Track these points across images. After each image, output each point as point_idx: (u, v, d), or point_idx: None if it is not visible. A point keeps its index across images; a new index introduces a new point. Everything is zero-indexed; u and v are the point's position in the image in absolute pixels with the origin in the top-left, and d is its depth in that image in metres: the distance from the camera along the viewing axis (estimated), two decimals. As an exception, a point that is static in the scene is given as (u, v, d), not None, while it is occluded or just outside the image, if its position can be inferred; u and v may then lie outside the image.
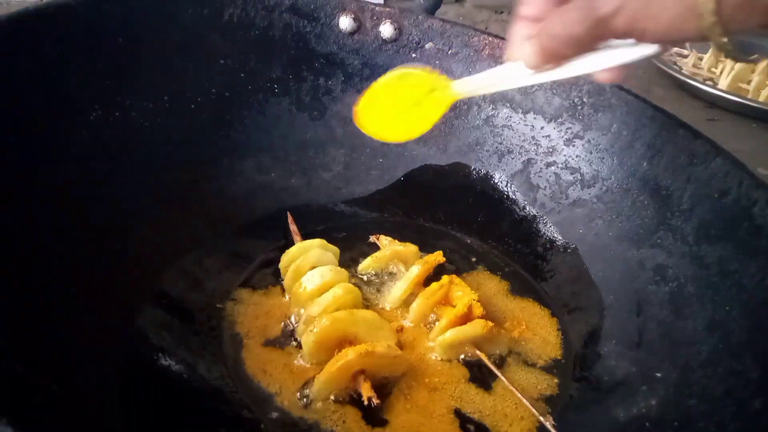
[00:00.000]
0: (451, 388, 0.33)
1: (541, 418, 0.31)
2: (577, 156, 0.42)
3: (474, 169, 0.45)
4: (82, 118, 0.35)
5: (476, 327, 0.34)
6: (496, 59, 0.44)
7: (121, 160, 0.37)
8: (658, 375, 0.30)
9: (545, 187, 0.43)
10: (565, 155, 0.42)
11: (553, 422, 0.30)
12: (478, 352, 0.34)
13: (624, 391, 0.31)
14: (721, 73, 0.81)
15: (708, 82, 0.79)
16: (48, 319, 0.27)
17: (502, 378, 0.33)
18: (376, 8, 0.46)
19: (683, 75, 0.78)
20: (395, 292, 0.38)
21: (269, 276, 0.38)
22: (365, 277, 0.39)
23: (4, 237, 0.27)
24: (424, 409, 0.32)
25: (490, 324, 0.34)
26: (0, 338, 0.23)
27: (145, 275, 0.34)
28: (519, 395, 0.32)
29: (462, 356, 0.35)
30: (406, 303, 0.37)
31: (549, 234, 0.41)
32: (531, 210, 0.43)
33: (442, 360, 0.35)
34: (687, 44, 0.90)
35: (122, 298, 0.32)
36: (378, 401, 0.30)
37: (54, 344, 0.26)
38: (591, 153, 0.41)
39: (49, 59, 0.33)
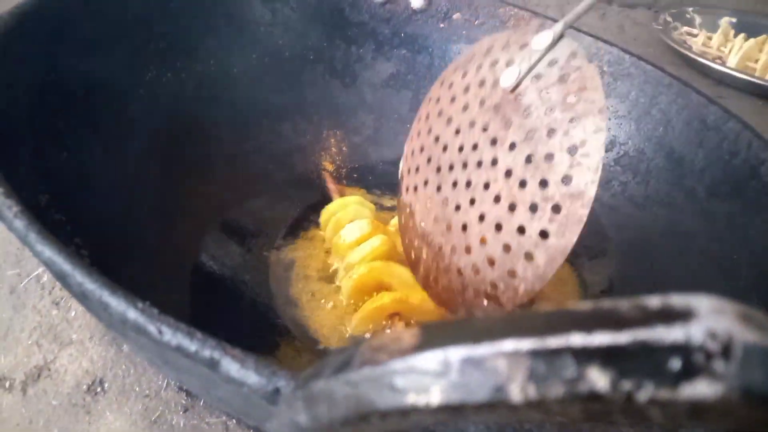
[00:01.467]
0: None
1: None
2: (596, 122, 0.44)
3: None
4: (139, 79, 0.38)
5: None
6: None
7: (172, 118, 0.40)
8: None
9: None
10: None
11: None
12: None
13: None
14: (730, 51, 0.83)
15: (717, 61, 0.81)
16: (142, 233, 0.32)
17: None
18: (407, -21, 0.48)
19: (693, 53, 0.80)
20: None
21: (310, 227, 0.41)
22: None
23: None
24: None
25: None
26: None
27: (201, 216, 0.38)
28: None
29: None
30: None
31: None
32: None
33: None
34: (697, 24, 0.92)
35: (192, 232, 0.37)
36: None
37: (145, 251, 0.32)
38: (609, 119, 0.44)
39: (111, 24, 0.36)
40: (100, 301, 0.17)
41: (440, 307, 0.34)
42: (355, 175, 0.47)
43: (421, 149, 0.35)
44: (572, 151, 0.26)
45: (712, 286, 0.33)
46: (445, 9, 0.48)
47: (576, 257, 0.39)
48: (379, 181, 0.47)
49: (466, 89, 0.32)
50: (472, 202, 0.30)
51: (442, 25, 0.49)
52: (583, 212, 0.26)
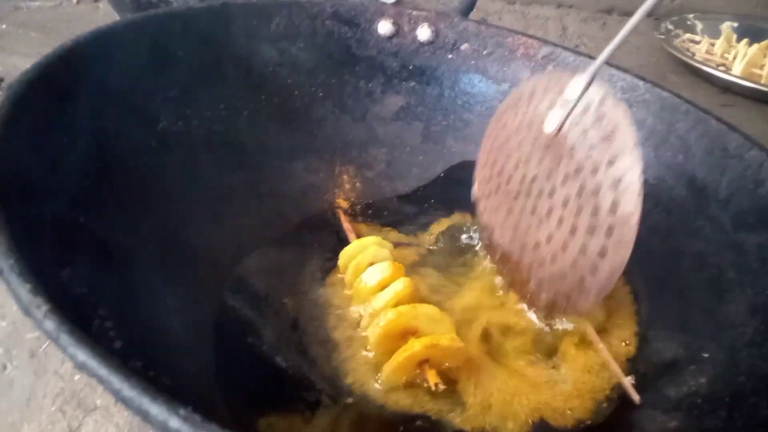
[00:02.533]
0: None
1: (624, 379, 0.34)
2: (613, 150, 0.44)
3: (512, 164, 0.47)
4: (151, 129, 0.37)
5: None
6: (531, 58, 0.47)
7: (185, 165, 0.39)
8: (705, 355, 0.33)
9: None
10: (601, 149, 0.44)
11: (633, 382, 0.34)
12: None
13: (673, 371, 0.33)
14: (734, 58, 0.83)
15: (721, 68, 0.80)
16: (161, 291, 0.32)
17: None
18: (413, 12, 0.48)
19: (696, 61, 0.80)
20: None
21: (329, 270, 0.41)
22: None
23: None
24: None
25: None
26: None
27: (219, 265, 0.38)
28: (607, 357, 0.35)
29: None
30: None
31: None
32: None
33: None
34: (699, 30, 0.92)
35: (209, 283, 0.36)
36: (444, 386, 0.33)
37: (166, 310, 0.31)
38: (626, 147, 0.43)
39: (123, 76, 0.35)
40: (140, 408, 0.17)
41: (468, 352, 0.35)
42: (370, 211, 0.46)
43: (490, 179, 0.40)
44: (615, 184, 0.31)
45: (745, 324, 0.33)
46: (452, 40, 0.48)
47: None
48: (394, 216, 0.46)
49: (519, 129, 0.38)
50: (539, 225, 0.35)
51: (450, 56, 0.48)
52: (632, 233, 0.30)
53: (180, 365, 0.30)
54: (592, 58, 0.44)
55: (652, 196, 0.41)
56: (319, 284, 0.40)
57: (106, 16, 0.85)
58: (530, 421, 0.32)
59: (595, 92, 0.33)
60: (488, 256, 0.42)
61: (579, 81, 0.33)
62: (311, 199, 0.45)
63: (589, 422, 0.33)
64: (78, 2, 0.89)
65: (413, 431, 0.32)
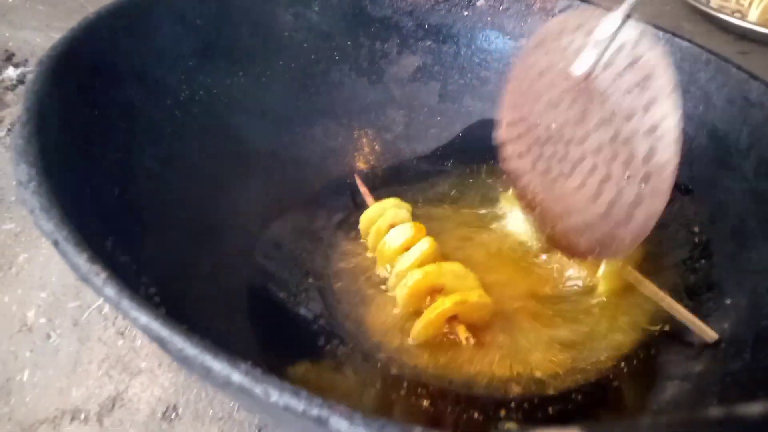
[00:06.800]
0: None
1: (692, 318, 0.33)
2: (632, 103, 0.44)
3: (531, 121, 0.47)
4: (174, 99, 0.38)
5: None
6: (548, 12, 0.46)
7: (207, 136, 0.40)
8: (728, 302, 0.33)
9: (602, 134, 0.45)
10: (620, 102, 0.44)
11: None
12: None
13: (696, 317, 0.34)
14: (750, 5, 0.81)
15: (737, 15, 0.79)
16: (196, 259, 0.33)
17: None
18: (427, -31, 0.47)
19: (711, 8, 0.79)
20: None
21: (350, 234, 0.41)
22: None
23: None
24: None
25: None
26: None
27: (247, 231, 0.39)
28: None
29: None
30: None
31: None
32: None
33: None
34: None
35: (240, 249, 0.37)
36: (474, 339, 0.34)
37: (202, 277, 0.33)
38: (646, 99, 0.43)
39: (145, 47, 0.36)
40: (203, 365, 0.18)
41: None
42: (390, 174, 0.47)
43: (516, 122, 0.38)
44: (651, 131, 0.30)
45: (765, 268, 0.33)
46: (468, -4, 0.47)
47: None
48: (414, 177, 0.47)
49: (548, 69, 0.36)
50: (571, 172, 0.34)
51: (466, 13, 0.48)
52: (669, 183, 0.30)
53: (217, 327, 0.32)
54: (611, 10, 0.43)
55: (673, 147, 0.41)
56: (343, 247, 0.41)
57: (110, -15, 0.84)
58: (559, 370, 0.33)
59: (630, 31, 0.31)
60: (516, 206, 0.41)
61: (612, 18, 0.31)
62: (331, 163, 0.46)
63: (614, 370, 0.34)
64: (82, -28, 0.88)
65: (443, 387, 0.33)
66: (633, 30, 0.31)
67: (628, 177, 0.31)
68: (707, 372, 0.31)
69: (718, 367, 0.30)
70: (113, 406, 0.32)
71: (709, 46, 0.41)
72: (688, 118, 0.40)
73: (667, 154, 0.29)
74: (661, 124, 0.29)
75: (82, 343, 0.35)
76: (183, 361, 0.18)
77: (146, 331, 0.19)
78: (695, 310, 0.34)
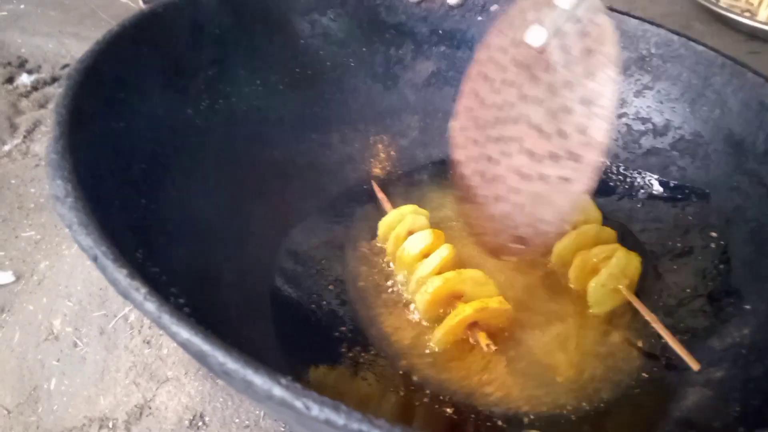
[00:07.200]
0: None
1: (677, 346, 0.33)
2: (648, 107, 0.44)
3: (545, 125, 0.48)
4: (195, 108, 0.38)
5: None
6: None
7: (228, 144, 0.40)
8: (747, 307, 0.34)
9: (617, 138, 0.45)
10: (635, 106, 0.44)
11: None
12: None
13: (716, 323, 0.34)
14: (759, 4, 0.81)
15: (746, 14, 0.79)
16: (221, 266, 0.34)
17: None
18: (442, -24, 0.47)
19: (721, 8, 0.78)
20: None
21: (368, 241, 0.42)
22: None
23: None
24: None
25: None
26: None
27: (268, 239, 0.39)
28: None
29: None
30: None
31: (625, 183, 0.44)
32: (605, 161, 0.46)
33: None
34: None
35: (262, 256, 0.38)
36: (495, 347, 0.34)
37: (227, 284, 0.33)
38: (662, 103, 0.43)
39: (166, 58, 0.36)
40: (244, 379, 0.18)
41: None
42: (406, 180, 0.47)
43: (470, 109, 0.37)
44: (586, 102, 0.29)
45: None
46: (481, 2, 0.47)
47: (657, 257, 0.40)
48: (429, 183, 0.47)
49: (503, 50, 0.35)
50: (507, 155, 0.33)
51: (480, 18, 0.48)
52: (598, 159, 0.29)
53: (242, 334, 0.32)
54: (626, 14, 0.43)
55: (689, 151, 0.42)
56: (361, 253, 0.41)
57: (120, -11, 0.84)
58: (580, 377, 0.34)
59: (584, 4, 0.30)
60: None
61: None
62: (348, 170, 0.46)
63: (635, 377, 0.34)
64: (92, -22, 0.89)
65: (465, 394, 0.33)
66: (591, 2, 0.31)
67: (558, 155, 0.30)
68: (728, 378, 0.31)
69: (740, 373, 0.31)
70: (141, 414, 0.33)
71: (720, 45, 0.42)
72: (703, 122, 0.41)
73: (599, 129, 0.29)
74: (599, 97, 0.29)
75: (108, 351, 0.35)
76: (224, 375, 0.19)
77: (186, 345, 0.19)
78: (715, 316, 0.34)
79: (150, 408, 0.33)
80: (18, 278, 0.39)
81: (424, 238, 0.39)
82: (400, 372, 0.34)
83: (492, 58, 0.35)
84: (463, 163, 0.37)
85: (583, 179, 0.30)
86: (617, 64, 0.29)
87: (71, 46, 0.72)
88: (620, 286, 0.37)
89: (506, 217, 0.34)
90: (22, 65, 0.72)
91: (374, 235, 0.42)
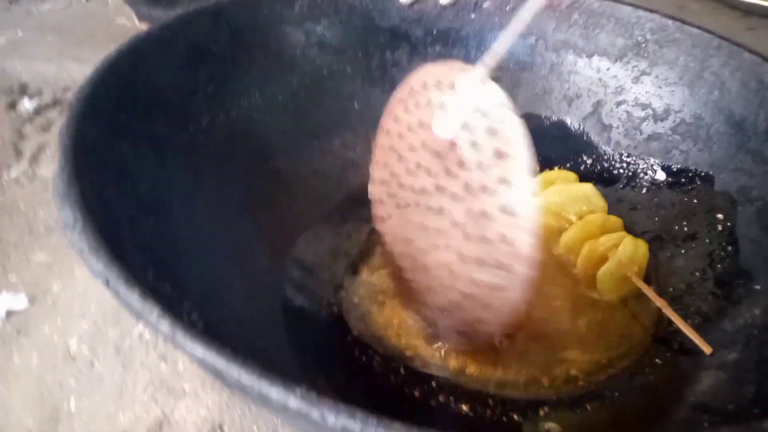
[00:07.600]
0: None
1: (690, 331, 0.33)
2: (646, 92, 0.44)
3: (545, 117, 0.48)
4: (196, 125, 0.38)
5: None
6: (555, 9, 0.46)
7: (231, 157, 0.40)
8: (757, 287, 0.34)
9: (618, 125, 0.45)
10: (634, 93, 0.44)
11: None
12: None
13: (726, 306, 0.34)
14: (755, -21, 0.80)
15: (742, -10, 0.78)
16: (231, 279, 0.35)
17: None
18: (432, -25, 0.47)
19: (716, -15, 0.78)
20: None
21: (373, 245, 0.42)
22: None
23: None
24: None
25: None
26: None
27: (276, 250, 0.40)
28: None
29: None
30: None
31: (628, 169, 0.44)
32: (606, 149, 0.46)
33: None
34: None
35: (271, 267, 0.38)
36: (508, 341, 0.35)
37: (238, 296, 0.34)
38: (660, 88, 0.43)
39: (165, 79, 0.36)
40: (260, 393, 0.18)
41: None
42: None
43: (384, 181, 0.34)
44: (507, 212, 0.26)
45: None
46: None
47: (662, 243, 0.40)
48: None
49: (410, 128, 0.31)
50: (432, 245, 0.30)
51: (473, 16, 0.48)
52: (527, 271, 0.25)
53: (256, 345, 0.32)
54: (618, 1, 0.43)
55: (691, 134, 0.42)
56: (367, 258, 0.41)
57: (116, 11, 0.85)
58: (593, 367, 0.34)
59: (493, 93, 0.26)
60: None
61: (470, 78, 0.27)
62: (351, 175, 0.46)
63: (649, 364, 0.34)
64: (88, 0, 0.90)
65: (480, 390, 0.34)
66: (494, 95, 0.26)
67: (483, 261, 0.27)
68: (742, 360, 0.31)
69: (753, 354, 0.31)
70: (161, 428, 0.33)
71: (716, 23, 0.42)
72: (703, 104, 0.41)
73: (523, 241, 0.25)
74: (518, 207, 0.25)
75: (125, 368, 0.36)
76: (240, 389, 0.19)
77: (202, 362, 0.19)
78: (725, 298, 0.34)
79: (169, 422, 0.33)
80: (32, 301, 0.40)
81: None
82: (414, 373, 0.34)
83: (402, 135, 0.32)
84: (388, 238, 0.34)
85: (517, 288, 0.26)
86: (532, 175, 0.25)
87: (71, 69, 0.73)
88: (629, 274, 0.37)
89: (442, 311, 0.31)
90: (23, 91, 0.73)
91: (378, 240, 0.42)
